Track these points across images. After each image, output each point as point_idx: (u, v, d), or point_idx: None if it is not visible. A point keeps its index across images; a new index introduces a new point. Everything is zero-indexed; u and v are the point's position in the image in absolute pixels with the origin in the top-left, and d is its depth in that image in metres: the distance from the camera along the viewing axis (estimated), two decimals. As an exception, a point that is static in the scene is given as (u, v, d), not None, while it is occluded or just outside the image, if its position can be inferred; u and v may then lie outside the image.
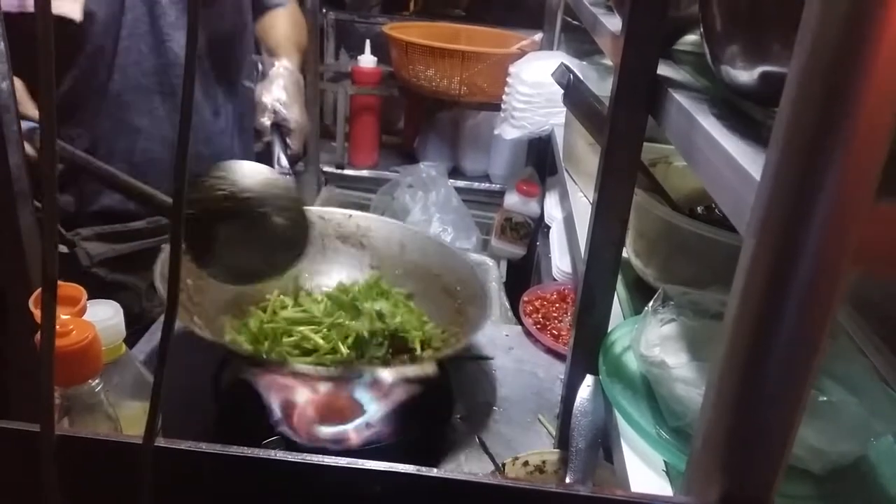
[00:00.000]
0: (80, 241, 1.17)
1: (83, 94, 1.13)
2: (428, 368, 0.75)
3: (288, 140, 1.21)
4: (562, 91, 0.86)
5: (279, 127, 1.22)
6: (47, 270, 0.31)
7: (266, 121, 1.21)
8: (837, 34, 0.28)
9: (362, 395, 0.85)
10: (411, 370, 0.73)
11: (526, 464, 0.73)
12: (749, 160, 0.37)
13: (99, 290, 1.19)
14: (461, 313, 0.96)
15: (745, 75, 0.44)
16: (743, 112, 0.47)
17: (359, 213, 1.15)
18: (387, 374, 0.73)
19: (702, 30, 0.50)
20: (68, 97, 1.12)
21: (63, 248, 1.13)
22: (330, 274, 1.08)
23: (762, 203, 0.31)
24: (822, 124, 0.29)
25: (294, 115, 1.23)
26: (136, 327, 1.17)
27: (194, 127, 1.21)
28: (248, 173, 0.67)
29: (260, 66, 1.29)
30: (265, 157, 1.21)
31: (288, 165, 1.18)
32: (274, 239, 0.68)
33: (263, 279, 0.76)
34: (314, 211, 1.13)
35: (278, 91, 1.23)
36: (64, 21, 1.03)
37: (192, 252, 0.65)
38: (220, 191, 0.65)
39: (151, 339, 1.05)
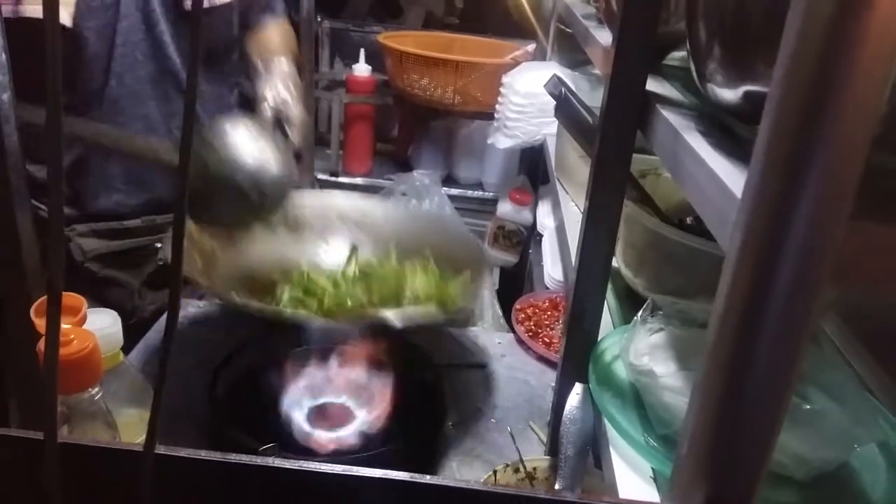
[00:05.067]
0: (74, 236, 1.18)
1: (79, 100, 1.14)
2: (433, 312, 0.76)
3: (290, 135, 1.20)
4: (554, 102, 0.87)
5: (280, 123, 1.20)
6: (53, 284, 0.32)
7: (268, 115, 1.19)
8: (815, 54, 0.29)
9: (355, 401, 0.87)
10: (414, 311, 0.74)
11: (517, 470, 0.74)
12: (731, 177, 0.38)
13: (91, 286, 1.21)
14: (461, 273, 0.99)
15: (729, 93, 0.45)
16: (728, 129, 0.49)
17: (359, 198, 1.21)
18: (394, 316, 0.73)
19: (688, 47, 0.51)
20: (64, 103, 1.13)
21: None
22: (329, 253, 1.12)
23: (743, 220, 0.33)
24: (799, 144, 0.30)
25: (297, 110, 1.22)
26: (127, 324, 1.18)
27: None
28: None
29: (259, 66, 1.28)
30: None
31: None
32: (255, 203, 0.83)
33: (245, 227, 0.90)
34: (317, 193, 1.19)
35: (281, 87, 1.23)
36: None
37: (191, 207, 0.77)
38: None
39: (146, 344, 1.06)
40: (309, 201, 1.17)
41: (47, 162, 0.32)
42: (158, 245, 1.27)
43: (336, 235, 1.15)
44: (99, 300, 1.19)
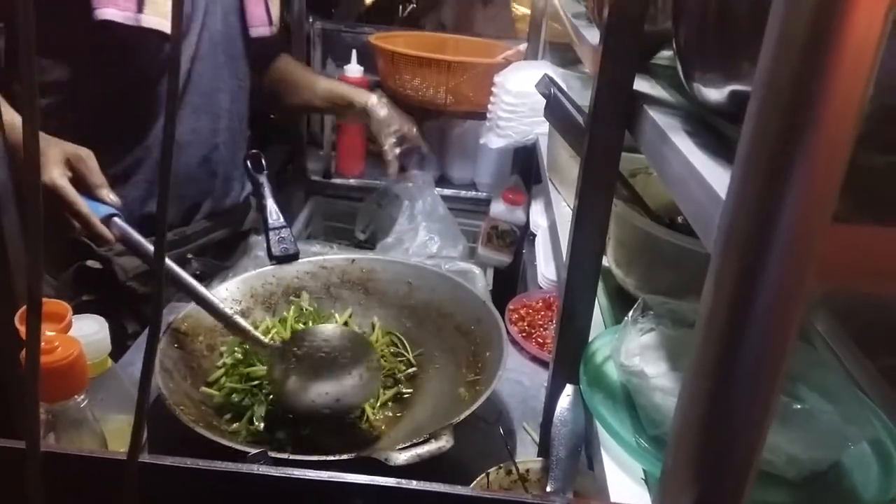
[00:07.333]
0: (113, 256, 1.19)
1: (149, 109, 1.20)
2: (444, 442, 0.72)
3: (421, 145, 1.57)
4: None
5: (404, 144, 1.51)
6: (32, 291, 0.31)
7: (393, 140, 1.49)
8: (797, 53, 0.29)
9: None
10: (425, 449, 0.71)
11: (509, 472, 0.74)
12: (716, 178, 0.38)
13: (135, 303, 1.24)
14: (478, 357, 0.94)
15: (715, 93, 0.45)
16: (714, 128, 0.49)
17: (362, 255, 1.13)
18: (401, 458, 0.69)
19: (674, 47, 0.51)
20: (137, 111, 1.19)
21: (96, 265, 1.17)
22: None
23: (727, 220, 0.32)
24: (782, 144, 0.30)
25: (405, 127, 1.52)
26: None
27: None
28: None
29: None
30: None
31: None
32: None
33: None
34: (315, 262, 1.11)
35: (390, 118, 1.50)
36: (162, 37, 1.12)
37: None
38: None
39: (137, 351, 1.05)
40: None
41: (24, 164, 0.32)
42: (189, 256, 1.32)
43: (341, 309, 1.07)
44: (140, 317, 1.21)
